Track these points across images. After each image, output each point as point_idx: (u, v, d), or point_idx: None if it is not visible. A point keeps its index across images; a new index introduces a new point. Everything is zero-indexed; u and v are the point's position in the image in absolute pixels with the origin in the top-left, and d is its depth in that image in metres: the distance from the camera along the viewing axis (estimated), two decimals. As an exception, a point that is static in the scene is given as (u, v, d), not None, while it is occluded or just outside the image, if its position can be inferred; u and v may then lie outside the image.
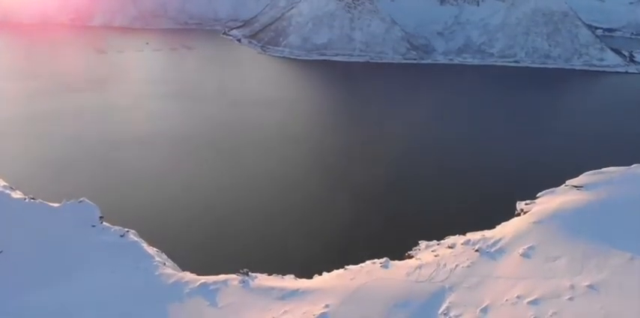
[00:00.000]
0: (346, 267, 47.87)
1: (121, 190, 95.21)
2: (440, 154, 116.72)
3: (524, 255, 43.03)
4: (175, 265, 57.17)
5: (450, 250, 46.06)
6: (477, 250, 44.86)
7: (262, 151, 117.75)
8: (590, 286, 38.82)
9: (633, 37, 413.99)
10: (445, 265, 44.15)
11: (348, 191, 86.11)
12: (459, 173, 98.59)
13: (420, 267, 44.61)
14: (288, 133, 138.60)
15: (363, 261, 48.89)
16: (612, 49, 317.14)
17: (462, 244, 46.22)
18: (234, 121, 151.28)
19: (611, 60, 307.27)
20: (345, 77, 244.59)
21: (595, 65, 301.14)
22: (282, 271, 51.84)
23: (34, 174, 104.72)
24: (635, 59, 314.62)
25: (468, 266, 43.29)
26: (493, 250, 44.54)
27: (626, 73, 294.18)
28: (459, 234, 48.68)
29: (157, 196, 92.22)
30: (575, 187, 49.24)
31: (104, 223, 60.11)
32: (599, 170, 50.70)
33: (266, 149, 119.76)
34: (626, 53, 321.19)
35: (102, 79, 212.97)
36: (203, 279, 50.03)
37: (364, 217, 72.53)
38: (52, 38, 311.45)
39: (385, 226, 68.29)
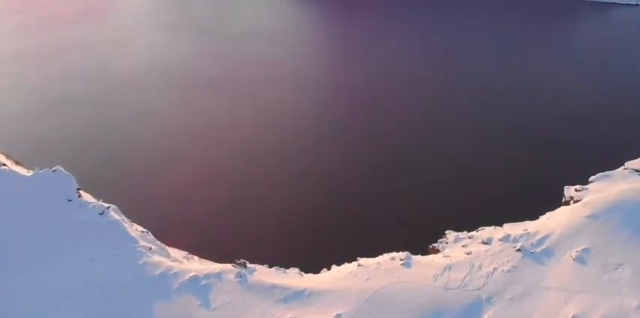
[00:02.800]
0: (360, 261, 40.92)
1: (105, 148, 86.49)
2: (463, 109, 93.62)
3: (578, 260, 35.81)
4: (164, 247, 50.22)
5: (485, 247, 38.84)
6: (518, 250, 37.66)
7: (262, 96, 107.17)
8: (664, 307, 31.84)
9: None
10: (480, 267, 37.10)
11: (356, 161, 71.55)
12: (486, 141, 77.69)
13: (449, 268, 37.57)
14: (287, 70, 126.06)
15: (380, 253, 41.91)
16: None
17: (500, 239, 38.95)
18: (231, 56, 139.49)
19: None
20: (347, 7, 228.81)
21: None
22: (285, 262, 45.10)
23: (10, 122, 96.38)
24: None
25: (509, 271, 36.23)
26: (539, 250, 37.32)
27: (637, 5, 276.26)
28: (495, 225, 41.34)
29: (145, 156, 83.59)
30: (637, 171, 41.27)
31: (81, 195, 52.88)
32: (665, 150, 42.59)
33: (266, 93, 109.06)
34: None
35: (92, 11, 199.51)
36: (194, 270, 43.08)
37: (379, 197, 59.70)
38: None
39: (404, 210, 56.03)
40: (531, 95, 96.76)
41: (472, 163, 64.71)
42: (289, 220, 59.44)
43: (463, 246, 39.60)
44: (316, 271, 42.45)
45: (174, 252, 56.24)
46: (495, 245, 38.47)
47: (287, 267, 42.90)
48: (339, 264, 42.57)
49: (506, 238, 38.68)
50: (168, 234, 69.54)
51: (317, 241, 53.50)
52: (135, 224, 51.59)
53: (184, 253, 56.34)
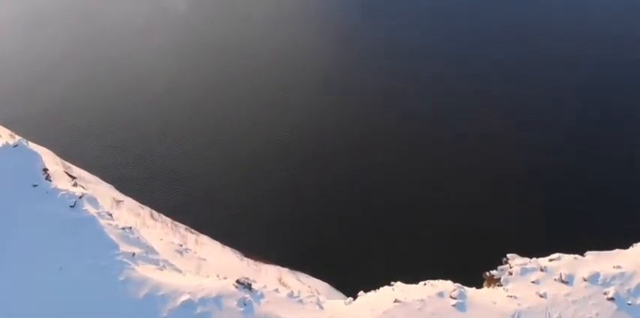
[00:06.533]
0: (395, 291, 32.38)
1: (82, 102, 75.60)
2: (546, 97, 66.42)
3: (700, 323, 26.97)
4: (151, 248, 41.41)
5: (565, 288, 29.91)
6: (611, 298, 28.68)
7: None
8: None
9: None
10: (560, 319, 28.29)
11: (395, 150, 58.14)
12: (566, 133, 58.17)
13: (517, 316, 28.78)
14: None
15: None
16: None
17: (585, 279, 29.91)
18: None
19: None
20: None
21: None
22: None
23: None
24: None
25: (601, 331, 27.43)
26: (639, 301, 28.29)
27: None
28: (574, 252, 32.00)
29: (128, 113, 72.65)
30: None
31: (50, 175, 43.33)
32: None
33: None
34: None
35: None
36: (187, 291, 34.48)
37: (418, 199, 46.42)
38: None
39: (451, 219, 44.93)
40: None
41: (542, 163, 51.63)
42: (302, 220, 50.09)
43: (533, 282, 30.61)
44: (338, 295, 34.24)
45: (165, 240, 47.82)
46: (579, 287, 29.52)
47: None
48: (367, 288, 34.03)
49: (593, 279, 29.64)
50: (161, 198, 61.75)
51: (338, 252, 44.29)
52: (114, 218, 42.64)
53: (177, 242, 47.71)
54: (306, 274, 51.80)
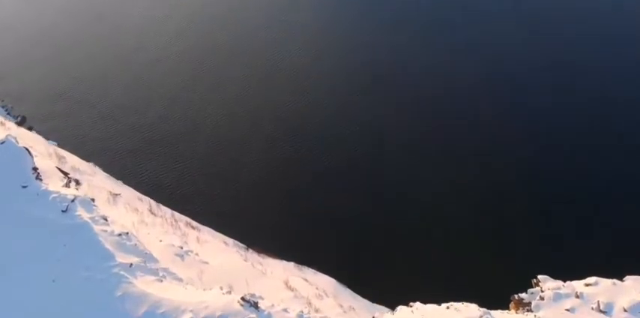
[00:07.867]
0: (415, 316, 29.94)
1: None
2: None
3: None
4: (150, 255, 38.83)
5: (603, 318, 27.30)
6: (655, 334, 26.15)
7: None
8: None
9: None
10: (598, 356, 25.85)
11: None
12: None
13: (551, 350, 26.34)
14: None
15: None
16: None
17: (626, 310, 27.32)
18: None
19: None
20: None
21: None
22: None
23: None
24: None
25: (645, 372, 25.01)
26: (689, 340, 25.77)
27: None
28: (611, 275, 29.38)
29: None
30: None
31: (40, 174, 40.52)
32: None
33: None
34: None
35: None
36: (189, 309, 32.07)
37: (438, 210, 44.15)
38: None
39: (474, 232, 41.31)
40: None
41: (579, 174, 47.83)
42: (305, 208, 47.81)
43: (568, 310, 28.03)
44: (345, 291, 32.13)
45: (165, 241, 45.14)
46: (618, 318, 26.95)
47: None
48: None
49: (634, 309, 27.07)
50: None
51: (342, 248, 41.81)
52: (110, 223, 39.92)
53: (177, 243, 44.98)
54: (313, 270, 49.89)
